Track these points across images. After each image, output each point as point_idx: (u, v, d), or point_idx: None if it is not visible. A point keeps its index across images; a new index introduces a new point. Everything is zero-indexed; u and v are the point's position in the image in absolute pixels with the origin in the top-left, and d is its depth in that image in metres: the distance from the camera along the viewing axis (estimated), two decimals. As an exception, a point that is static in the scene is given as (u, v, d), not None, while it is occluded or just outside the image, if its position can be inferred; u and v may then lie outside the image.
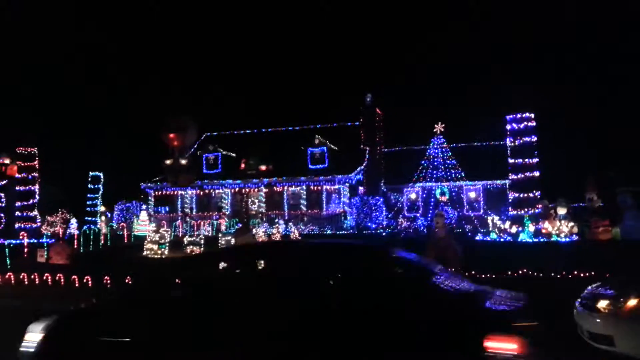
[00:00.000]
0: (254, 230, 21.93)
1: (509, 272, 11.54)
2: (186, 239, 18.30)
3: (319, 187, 31.53)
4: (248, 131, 37.87)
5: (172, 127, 23.42)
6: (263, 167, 33.48)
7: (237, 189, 33.33)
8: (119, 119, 51.45)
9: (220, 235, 17.85)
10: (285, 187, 32.28)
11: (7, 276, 13.27)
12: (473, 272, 11.78)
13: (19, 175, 25.70)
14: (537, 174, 19.87)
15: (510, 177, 20.57)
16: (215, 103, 56.64)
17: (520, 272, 11.54)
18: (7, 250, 15.29)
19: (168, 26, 67.79)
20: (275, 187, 32.35)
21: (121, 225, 30.49)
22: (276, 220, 27.55)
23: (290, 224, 26.54)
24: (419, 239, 20.92)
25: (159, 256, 17.77)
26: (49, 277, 12.92)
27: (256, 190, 32.85)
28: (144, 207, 33.27)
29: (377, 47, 64.58)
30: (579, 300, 7.09)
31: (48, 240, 22.17)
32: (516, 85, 25.82)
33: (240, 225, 21.13)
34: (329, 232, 28.36)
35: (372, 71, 62.49)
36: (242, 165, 33.77)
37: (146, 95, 62.34)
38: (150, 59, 67.43)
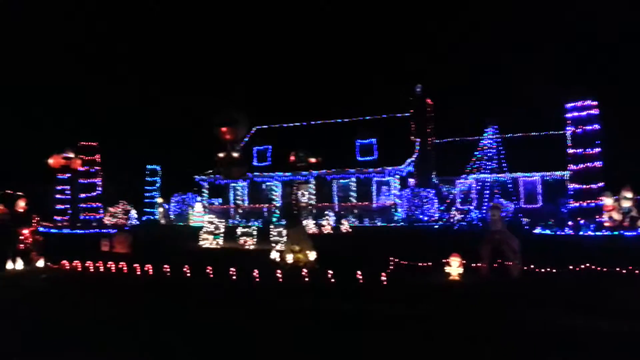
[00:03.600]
0: (305, 222, 22.14)
1: (571, 267, 11.10)
2: (239, 230, 18.67)
3: (369, 179, 31.38)
4: (298, 124, 38.12)
5: (224, 121, 23.90)
6: (312, 160, 33.58)
7: (287, 181, 33.69)
8: (174, 113, 53.33)
9: (271, 226, 18.09)
10: (335, 179, 32.32)
11: (73, 264, 14.05)
12: (532, 266, 11.42)
13: (82, 169, 27.08)
14: (599, 164, 18.95)
15: (570, 168, 19.72)
16: (266, 97, 57.49)
17: (582, 266, 11.08)
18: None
19: (219, 21, 69.25)
20: (324, 179, 32.46)
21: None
22: (326, 212, 27.64)
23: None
24: (472, 232, 20.46)
25: (214, 246, 18.27)
26: (112, 266, 13.57)
27: (306, 182, 33.08)
28: (198, 198, 34.27)
29: (428, 36, 63.40)
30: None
31: (111, 230, 23.29)
32: (577, 72, 24.64)
33: (290, 217, 21.40)
34: (379, 224, 28.19)
35: (423, 61, 61.36)
36: (292, 158, 34.01)
37: (199, 91, 64.02)
38: (204, 56, 69.16)
